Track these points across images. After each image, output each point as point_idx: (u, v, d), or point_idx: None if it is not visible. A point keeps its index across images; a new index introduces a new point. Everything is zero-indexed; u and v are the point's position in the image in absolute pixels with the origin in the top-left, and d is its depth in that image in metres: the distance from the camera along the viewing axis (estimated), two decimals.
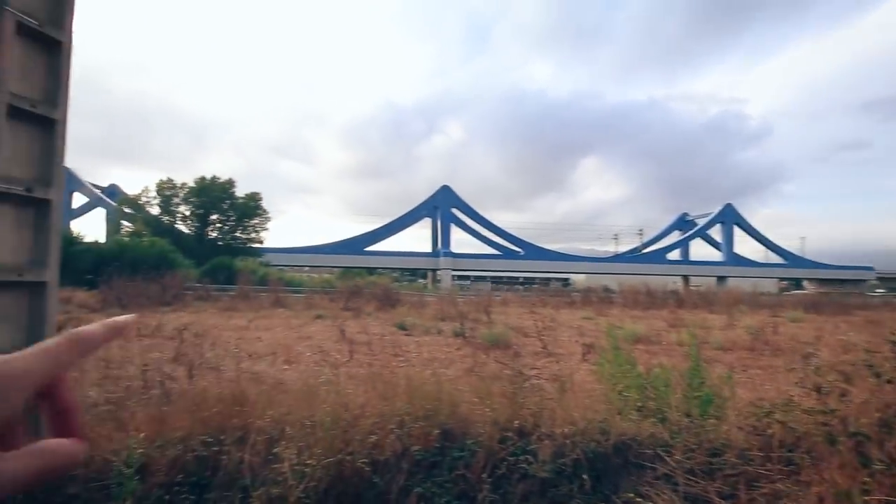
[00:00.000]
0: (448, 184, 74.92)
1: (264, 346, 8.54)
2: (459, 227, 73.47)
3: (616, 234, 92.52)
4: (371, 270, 56.62)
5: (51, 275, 2.91)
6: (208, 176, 37.76)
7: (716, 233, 79.80)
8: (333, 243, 68.64)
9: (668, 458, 2.36)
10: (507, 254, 73.94)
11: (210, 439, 2.51)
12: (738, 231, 79.58)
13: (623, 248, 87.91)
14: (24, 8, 2.73)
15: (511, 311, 17.50)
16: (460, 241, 74.11)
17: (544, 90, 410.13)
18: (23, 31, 2.70)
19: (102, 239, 30.04)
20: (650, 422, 2.59)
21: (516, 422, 2.37)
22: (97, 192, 64.38)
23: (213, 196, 36.62)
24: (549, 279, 66.83)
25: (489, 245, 74.13)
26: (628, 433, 2.46)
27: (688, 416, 2.76)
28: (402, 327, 12.63)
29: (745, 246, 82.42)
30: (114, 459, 2.34)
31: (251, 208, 38.55)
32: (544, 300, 23.39)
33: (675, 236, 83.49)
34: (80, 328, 0.35)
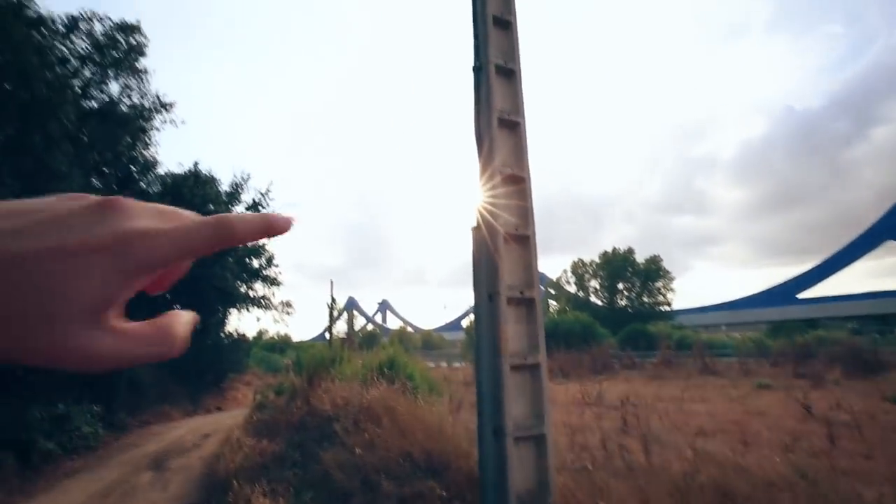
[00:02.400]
0: None
1: (709, 421, 7.80)
2: None
3: None
4: (812, 323, 44.50)
5: (542, 357, 3.62)
6: (609, 249, 41.11)
7: None
8: (753, 295, 58.77)
9: None
10: None
11: None
12: None
13: None
14: (501, 163, 3.78)
15: None
16: None
17: None
18: (504, 179, 3.73)
19: None
20: None
21: None
22: None
23: (616, 266, 39.33)
24: None
25: None
26: None
27: None
28: None
29: None
30: None
31: (653, 271, 38.80)
32: None
33: None
34: (229, 215, 0.31)
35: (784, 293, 56.48)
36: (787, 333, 28.19)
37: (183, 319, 0.31)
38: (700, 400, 10.37)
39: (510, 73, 3.98)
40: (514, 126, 3.95)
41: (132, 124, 12.47)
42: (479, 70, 3.88)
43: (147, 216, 0.29)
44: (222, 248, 0.31)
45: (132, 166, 13.17)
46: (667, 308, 39.11)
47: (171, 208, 0.31)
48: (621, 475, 4.28)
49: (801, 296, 55.47)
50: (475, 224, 3.70)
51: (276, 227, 0.33)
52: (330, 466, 4.65)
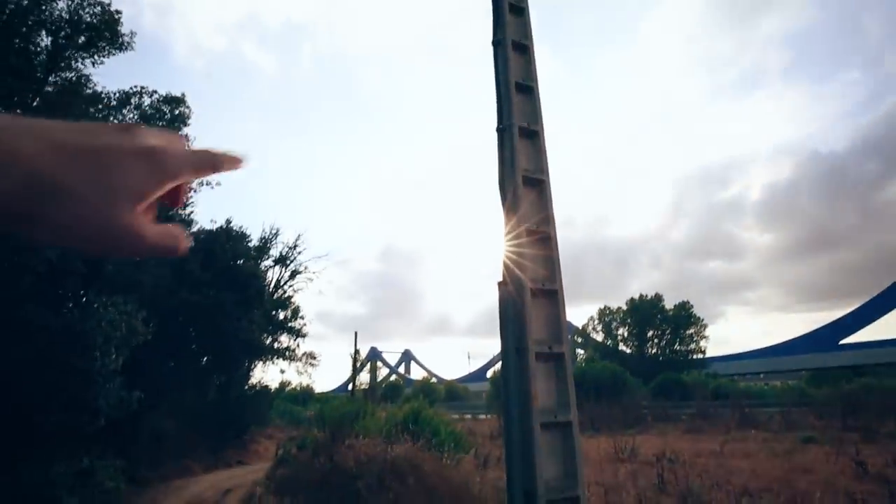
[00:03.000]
0: None
1: (753, 479, 7.32)
2: None
3: None
4: (857, 370, 41.75)
5: (573, 414, 3.54)
6: (636, 296, 40.18)
7: None
8: (791, 341, 56.12)
9: None
10: None
11: None
12: None
13: None
14: (526, 219, 3.87)
15: None
16: None
17: None
18: (530, 235, 3.81)
19: None
20: None
21: None
22: None
23: (644, 313, 38.31)
24: None
25: None
26: None
27: None
28: None
29: None
30: None
31: (683, 318, 37.65)
32: None
33: None
34: (213, 150, 0.41)
35: (824, 339, 53.72)
36: (831, 381, 26.58)
37: (182, 230, 0.40)
38: (742, 455, 9.77)
39: (533, 135, 4.14)
40: (538, 183, 4.07)
41: None
42: (502, 132, 4.06)
43: (160, 138, 0.37)
44: (214, 173, 0.41)
45: None
46: (700, 356, 37.57)
47: (176, 135, 0.40)
48: None
49: (844, 341, 52.62)
50: (501, 279, 3.75)
51: (231, 163, 0.42)
52: None
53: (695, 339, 37.39)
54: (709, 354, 39.90)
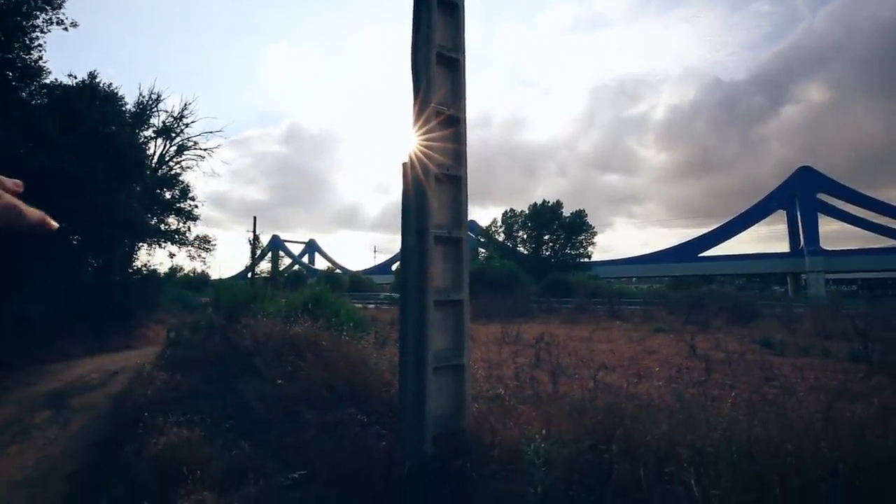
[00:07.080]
0: (808, 164, 59.07)
1: (611, 358, 8.64)
2: (832, 216, 56.44)
3: None
4: (708, 278, 49.77)
5: (465, 294, 3.76)
6: (539, 201, 42.55)
7: None
8: (661, 251, 64.16)
9: None
10: None
11: (601, 446, 2.68)
12: None
13: None
14: (438, 101, 3.71)
15: None
16: (834, 236, 56.48)
17: None
18: (439, 117, 3.67)
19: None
20: None
21: None
22: None
23: (544, 218, 41.02)
24: None
25: (891, 236, 53.50)
26: None
27: None
28: (766, 345, 10.55)
29: None
30: (525, 450, 2.78)
31: (577, 225, 40.98)
32: None
33: None
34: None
35: (688, 250, 62.26)
36: (687, 287, 31.50)
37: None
38: (605, 340, 11.42)
39: (453, 7, 3.82)
40: (453, 63, 3.85)
41: (6, 20, 10.56)
42: None
43: None
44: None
45: (8, 72, 11.23)
46: (586, 259, 41.88)
47: None
48: (530, 401, 4.68)
49: (703, 254, 61.49)
50: (407, 160, 3.65)
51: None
52: (250, 398, 4.64)
53: (584, 244, 41.37)
54: (594, 259, 44.67)
